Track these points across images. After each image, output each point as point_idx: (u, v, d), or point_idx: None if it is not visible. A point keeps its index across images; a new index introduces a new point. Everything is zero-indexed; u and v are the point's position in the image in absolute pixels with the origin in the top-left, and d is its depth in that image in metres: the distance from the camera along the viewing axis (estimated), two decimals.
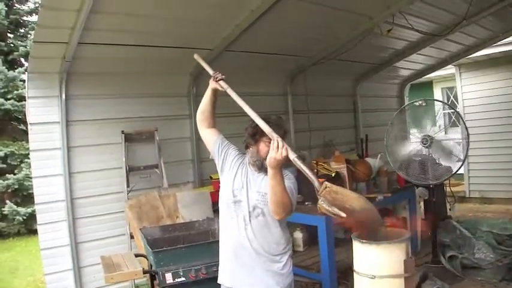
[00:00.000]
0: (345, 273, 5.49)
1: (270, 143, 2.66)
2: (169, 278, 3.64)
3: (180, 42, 4.87)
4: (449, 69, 9.77)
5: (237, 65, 5.81)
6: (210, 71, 3.00)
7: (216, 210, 5.39)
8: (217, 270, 3.85)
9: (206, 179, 5.75)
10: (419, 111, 6.46)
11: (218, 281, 3.11)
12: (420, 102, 6.19)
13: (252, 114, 2.91)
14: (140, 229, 4.13)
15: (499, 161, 9.00)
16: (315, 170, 5.76)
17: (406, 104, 6.88)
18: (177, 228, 4.35)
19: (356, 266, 2.88)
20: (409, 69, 8.82)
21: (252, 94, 6.32)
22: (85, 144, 4.84)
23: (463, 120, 5.59)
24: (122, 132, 4.88)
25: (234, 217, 2.96)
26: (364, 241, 2.82)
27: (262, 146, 2.96)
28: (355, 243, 2.88)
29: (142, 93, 5.23)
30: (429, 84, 12.11)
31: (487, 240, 5.54)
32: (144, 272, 3.66)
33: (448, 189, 7.39)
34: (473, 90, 9.45)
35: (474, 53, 8.40)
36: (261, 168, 2.93)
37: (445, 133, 6.61)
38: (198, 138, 5.66)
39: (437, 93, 12.23)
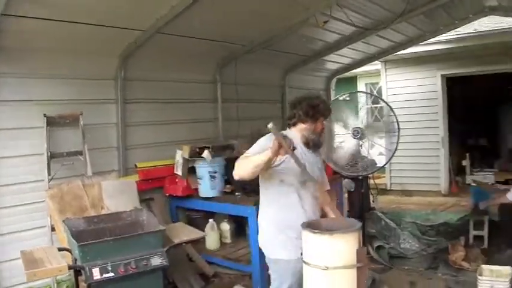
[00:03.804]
0: None
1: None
2: (96, 273, 3.41)
3: (111, 21, 4.54)
4: (374, 65, 10.07)
5: (169, 49, 5.61)
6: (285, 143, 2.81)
7: (143, 200, 5.19)
8: (148, 264, 3.70)
9: (131, 167, 5.49)
10: (351, 104, 6.58)
11: (283, 257, 3.23)
12: (345, 96, 6.30)
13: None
14: (63, 221, 3.83)
15: (420, 155, 9.45)
16: None
17: (338, 95, 6.93)
18: (104, 219, 4.10)
19: (306, 258, 2.80)
20: (337, 62, 8.93)
21: (182, 81, 6.17)
22: (1, 128, 4.40)
23: (394, 114, 5.72)
24: (44, 115, 4.49)
25: (304, 197, 3.25)
26: (316, 231, 2.74)
27: (319, 125, 3.35)
28: (305, 234, 2.80)
29: (66, 74, 4.83)
30: (354, 79, 12.43)
31: (411, 231, 5.77)
32: (70, 268, 3.38)
33: (371, 181, 7.61)
34: (397, 86, 9.83)
35: (402, 50, 8.71)
36: (317, 144, 3.33)
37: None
38: (125, 125, 5.41)
39: (361, 88, 12.59)
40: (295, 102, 3.40)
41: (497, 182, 9.06)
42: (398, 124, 5.76)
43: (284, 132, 3.31)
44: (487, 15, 7.76)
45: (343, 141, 6.07)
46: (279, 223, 3.27)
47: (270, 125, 2.72)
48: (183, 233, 4.38)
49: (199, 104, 6.54)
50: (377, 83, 12.14)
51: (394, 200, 9.38)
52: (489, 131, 11.25)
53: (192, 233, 4.42)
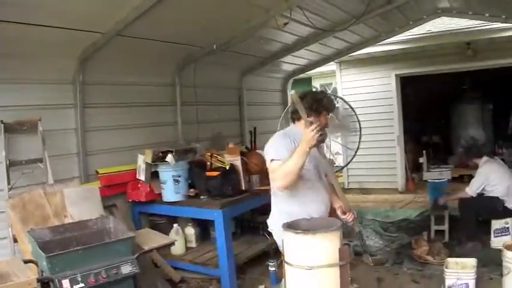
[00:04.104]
0: (242, 267, 5.47)
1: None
2: (66, 285, 3.30)
3: (67, 23, 4.39)
4: (329, 66, 10.21)
5: (128, 52, 5.48)
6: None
7: (105, 207, 5.04)
8: (118, 272, 3.62)
9: (92, 174, 5.32)
10: None
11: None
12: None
13: None
14: (28, 231, 3.67)
15: (376, 154, 9.67)
16: (209, 163, 5.64)
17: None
18: (69, 228, 3.96)
19: (289, 258, 2.80)
20: (294, 64, 8.99)
21: (141, 84, 6.06)
22: None
23: (355, 114, 5.81)
24: (1, 122, 4.28)
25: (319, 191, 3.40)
26: (299, 232, 2.75)
27: (322, 119, 3.39)
28: (288, 235, 2.80)
29: (23, 78, 4.62)
30: (308, 80, 12.59)
31: (373, 228, 5.87)
32: (38, 281, 3.23)
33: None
34: (352, 86, 10.01)
35: (357, 50, 8.90)
36: (322, 138, 3.18)
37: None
38: (84, 130, 5.25)
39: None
40: (300, 97, 3.36)
41: (453, 178, 9.36)
42: (359, 123, 5.87)
43: (288, 127, 3.50)
44: (439, 16, 8.04)
45: None
46: (292, 217, 3.20)
47: (292, 93, 2.95)
48: (152, 239, 4.30)
49: (159, 108, 6.43)
50: (331, 83, 12.38)
51: (352, 199, 9.50)
52: (442, 129, 11.66)
53: (161, 239, 4.35)
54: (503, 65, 8.90)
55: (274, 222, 3.42)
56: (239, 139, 8.05)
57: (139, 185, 5.50)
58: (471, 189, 6.07)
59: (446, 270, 4.51)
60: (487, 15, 7.30)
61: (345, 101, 6.19)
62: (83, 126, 5.22)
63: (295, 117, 3.50)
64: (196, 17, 5.26)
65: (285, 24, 5.86)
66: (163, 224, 5.73)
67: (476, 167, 6.35)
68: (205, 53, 6.37)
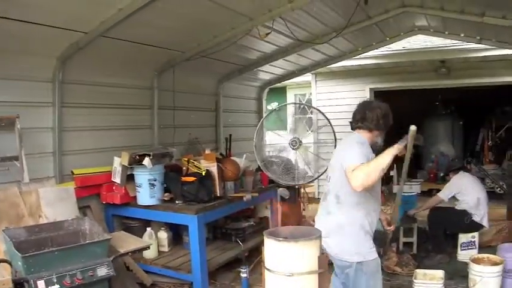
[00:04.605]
0: (213, 273, 5.48)
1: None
2: (41, 286, 3.28)
3: (51, 20, 4.34)
4: (304, 77, 10.34)
5: (108, 53, 5.47)
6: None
7: (79, 208, 4.99)
8: (94, 274, 3.62)
9: (67, 174, 5.26)
10: (281, 115, 6.70)
11: (374, 257, 3.37)
12: (275, 108, 6.44)
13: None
14: (3, 230, 3.61)
15: None
16: (185, 168, 5.65)
17: (278, 106, 7.06)
18: (45, 228, 3.93)
19: (269, 265, 2.84)
20: (271, 73, 9.07)
21: (120, 86, 6.02)
22: None
23: (331, 125, 5.90)
24: None
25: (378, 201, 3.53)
26: (281, 239, 2.80)
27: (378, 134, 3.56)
28: (269, 242, 2.85)
29: (0, 74, 4.54)
30: (283, 90, 12.70)
31: None
32: (13, 281, 3.19)
33: (302, 190, 7.82)
34: (327, 98, 10.15)
35: (334, 63, 9.06)
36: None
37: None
38: (61, 130, 5.19)
39: (291, 99, 12.92)
40: (370, 106, 3.59)
41: (422, 192, 9.58)
42: (335, 135, 5.96)
43: (355, 136, 3.52)
44: (416, 34, 8.24)
45: (282, 150, 6.20)
46: (366, 226, 3.34)
47: (412, 128, 2.98)
48: (127, 242, 4.28)
49: (136, 111, 6.39)
50: (305, 94, 12.53)
51: None
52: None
53: (136, 242, 4.33)
54: (477, 84, 9.22)
55: (349, 242, 3.35)
56: (214, 145, 8.06)
57: (114, 188, 5.46)
58: (443, 193, 6.32)
59: (415, 281, 4.63)
60: (463, 35, 7.54)
61: (321, 112, 6.25)
62: (60, 125, 5.15)
63: (359, 126, 3.54)
64: (179, 22, 5.30)
65: (267, 34, 5.94)
66: (136, 227, 5.68)
67: None
68: (185, 58, 6.38)
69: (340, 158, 3.36)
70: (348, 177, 3.12)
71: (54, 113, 5.10)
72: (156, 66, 6.47)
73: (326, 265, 2.84)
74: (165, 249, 5.82)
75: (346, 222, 3.34)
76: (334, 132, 5.97)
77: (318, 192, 10.39)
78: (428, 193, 9.64)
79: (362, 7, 5.81)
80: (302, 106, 11.32)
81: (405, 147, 3.09)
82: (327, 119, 6.02)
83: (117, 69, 5.87)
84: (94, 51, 5.13)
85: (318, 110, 6.25)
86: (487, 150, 11.48)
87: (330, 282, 3.04)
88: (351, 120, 3.66)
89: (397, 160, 3.22)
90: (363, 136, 3.50)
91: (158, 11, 4.64)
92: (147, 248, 4.40)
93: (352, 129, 3.65)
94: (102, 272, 3.64)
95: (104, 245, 3.78)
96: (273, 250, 2.84)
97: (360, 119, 3.54)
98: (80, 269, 3.50)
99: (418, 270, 4.87)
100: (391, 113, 3.59)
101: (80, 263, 3.52)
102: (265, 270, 2.89)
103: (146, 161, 5.22)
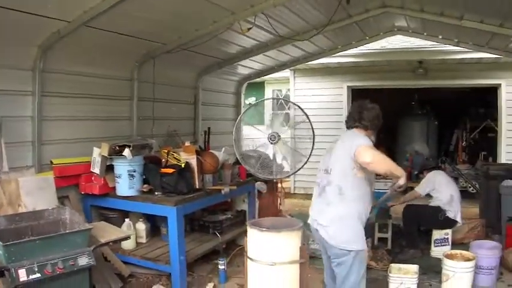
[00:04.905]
0: (191, 264, 5.53)
1: None
2: (22, 275, 3.29)
3: (31, 8, 4.29)
4: (283, 72, 10.42)
5: (90, 43, 5.43)
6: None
7: (58, 198, 4.97)
8: (75, 264, 3.64)
9: (46, 163, 5.22)
10: (259, 110, 6.76)
11: (364, 247, 3.59)
12: (254, 103, 6.50)
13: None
14: None
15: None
16: (165, 160, 5.68)
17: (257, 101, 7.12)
18: (25, 217, 3.94)
19: (252, 254, 2.92)
20: (250, 68, 9.14)
21: (101, 76, 6.00)
22: None
23: (309, 122, 5.99)
24: None
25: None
26: (264, 229, 2.88)
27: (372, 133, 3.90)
28: (252, 232, 2.94)
29: None
30: (261, 85, 12.76)
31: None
32: None
33: (279, 185, 7.91)
34: (305, 94, 10.26)
35: (314, 60, 9.14)
36: None
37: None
38: (40, 119, 5.15)
39: (269, 94, 12.99)
40: (367, 107, 3.85)
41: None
42: (313, 131, 6.06)
43: (355, 133, 3.82)
44: (395, 34, 8.39)
45: (261, 145, 6.28)
46: (363, 218, 3.57)
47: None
48: (107, 232, 4.31)
49: (116, 101, 6.37)
50: (281, 90, 12.64)
51: (297, 203, 9.79)
52: (388, 141, 12.14)
53: (117, 232, 4.37)
54: (453, 85, 9.44)
55: (348, 232, 3.51)
56: (192, 138, 8.08)
57: (92, 178, 5.45)
58: (420, 188, 6.54)
59: (390, 275, 4.76)
60: (441, 37, 7.72)
61: (300, 108, 6.33)
62: (40, 114, 5.11)
63: (356, 125, 3.85)
64: (161, 14, 5.30)
65: (249, 29, 5.99)
66: (114, 218, 5.67)
67: None
68: (165, 50, 6.39)
69: (347, 148, 3.56)
70: (360, 150, 3.43)
71: (34, 102, 5.05)
72: (137, 57, 6.45)
73: (307, 255, 2.93)
74: (143, 240, 5.83)
75: (347, 213, 3.51)
76: (312, 128, 6.07)
77: (294, 187, 10.52)
78: (403, 190, 9.83)
79: (343, 6, 5.90)
80: (280, 101, 11.49)
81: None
82: (305, 114, 6.11)
83: (98, 60, 5.85)
84: (76, 41, 5.11)
85: (297, 105, 6.32)
86: (461, 150, 11.77)
87: (309, 273, 3.14)
88: (346, 119, 3.95)
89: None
90: (361, 133, 3.79)
91: (141, 2, 4.64)
92: (128, 238, 4.44)
93: (348, 127, 3.93)
94: (83, 261, 3.67)
95: (84, 235, 3.80)
96: (256, 240, 2.92)
97: (358, 118, 3.82)
98: (61, 258, 3.52)
99: (392, 265, 5.00)
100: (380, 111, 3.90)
101: (62, 252, 3.55)
102: (248, 260, 2.96)
103: (126, 152, 5.23)
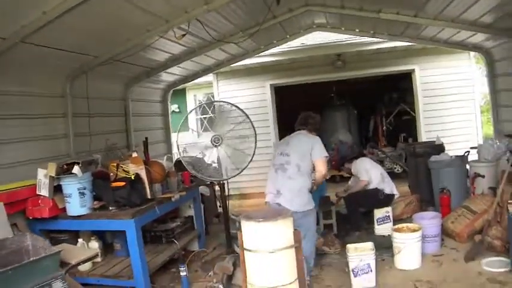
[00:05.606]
0: (150, 276, 5.45)
1: None
2: None
3: None
4: (204, 77, 10.46)
5: (18, 59, 5.12)
6: None
7: (13, 224, 4.71)
8: None
9: None
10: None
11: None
12: (199, 105, 6.54)
13: None
14: None
15: (254, 160, 10.10)
16: (113, 174, 5.56)
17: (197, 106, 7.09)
18: None
19: (251, 246, 3.06)
20: (175, 74, 9.07)
21: (33, 94, 5.73)
22: None
23: (251, 121, 6.14)
24: None
25: None
26: (260, 220, 3.01)
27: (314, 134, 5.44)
28: (249, 224, 3.08)
29: None
30: (183, 91, 12.74)
31: None
32: None
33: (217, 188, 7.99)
34: (229, 96, 10.38)
35: (237, 62, 9.30)
36: None
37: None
38: None
39: (190, 100, 13.03)
40: (311, 116, 5.46)
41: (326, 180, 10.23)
42: (255, 130, 6.22)
43: (308, 134, 5.34)
44: (314, 31, 8.74)
45: (205, 148, 6.34)
46: (310, 188, 5.03)
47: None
48: (73, 253, 4.20)
49: (51, 119, 6.10)
50: (205, 94, 12.73)
51: (235, 204, 9.91)
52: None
53: (83, 252, 4.24)
54: (371, 74, 10.01)
55: (305, 198, 4.94)
56: (127, 150, 7.90)
57: (39, 201, 5.19)
58: (363, 175, 6.94)
59: (349, 254, 5.04)
60: (358, 30, 8.16)
61: (239, 109, 6.41)
62: None
63: (303, 128, 5.38)
64: (93, 25, 5.15)
65: (183, 35, 5.98)
66: (66, 241, 5.42)
67: (349, 171, 7.44)
68: (98, 63, 6.21)
69: (309, 144, 5.12)
70: (321, 162, 5.09)
71: None
72: (69, 72, 6.21)
73: (299, 239, 3.11)
74: (99, 259, 5.61)
75: (304, 184, 4.95)
76: (254, 127, 6.23)
77: (229, 189, 10.58)
78: (332, 179, 10.32)
79: (268, 7, 6.05)
80: (202, 106, 11.56)
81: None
82: (245, 114, 6.27)
83: (30, 77, 5.58)
84: (12, 60, 4.86)
85: (236, 106, 6.42)
86: (381, 135, 12.47)
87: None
88: (296, 124, 5.48)
89: None
90: (311, 134, 5.36)
91: (79, 11, 4.46)
92: (96, 256, 4.31)
93: (296, 129, 5.44)
94: (58, 286, 3.56)
95: (55, 259, 3.69)
96: (254, 231, 3.05)
97: (305, 122, 5.39)
98: (37, 285, 3.38)
99: (349, 245, 5.26)
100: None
101: (36, 280, 3.41)
102: (245, 252, 3.06)
103: (76, 169, 5.06)
